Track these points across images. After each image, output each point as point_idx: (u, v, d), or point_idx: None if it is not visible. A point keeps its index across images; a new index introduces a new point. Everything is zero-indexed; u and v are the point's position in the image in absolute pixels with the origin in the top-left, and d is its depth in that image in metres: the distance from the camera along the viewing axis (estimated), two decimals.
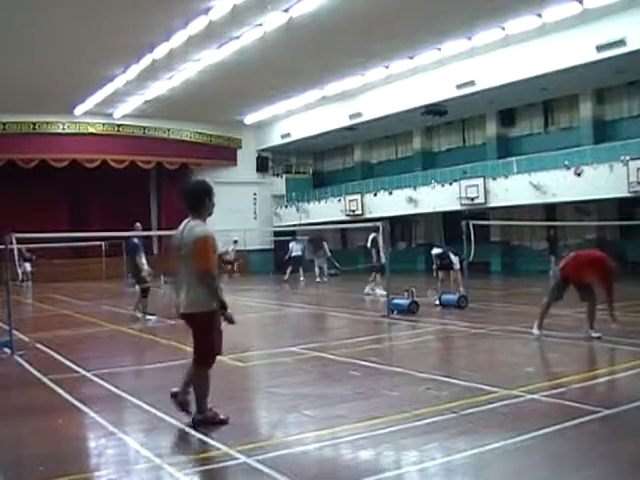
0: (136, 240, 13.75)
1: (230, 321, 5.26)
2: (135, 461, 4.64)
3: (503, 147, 26.25)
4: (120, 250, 25.43)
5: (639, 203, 20.92)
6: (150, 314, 13.15)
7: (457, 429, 5.13)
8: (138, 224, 14.02)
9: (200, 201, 5.38)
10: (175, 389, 5.45)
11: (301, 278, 24.14)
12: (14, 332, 9.43)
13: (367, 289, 17.22)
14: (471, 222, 14.47)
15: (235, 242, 28.67)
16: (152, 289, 13.89)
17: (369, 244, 17.37)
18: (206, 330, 5.22)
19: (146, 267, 13.37)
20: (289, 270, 24.18)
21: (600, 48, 18.67)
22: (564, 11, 17.96)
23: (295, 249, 24.47)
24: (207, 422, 5.27)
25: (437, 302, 13.70)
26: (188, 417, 5.37)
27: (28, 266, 27.66)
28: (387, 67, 23.48)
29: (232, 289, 21.20)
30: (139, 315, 13.31)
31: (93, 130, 29.82)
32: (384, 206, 26.66)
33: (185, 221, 5.41)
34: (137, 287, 13.96)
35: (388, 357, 8.63)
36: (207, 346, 5.27)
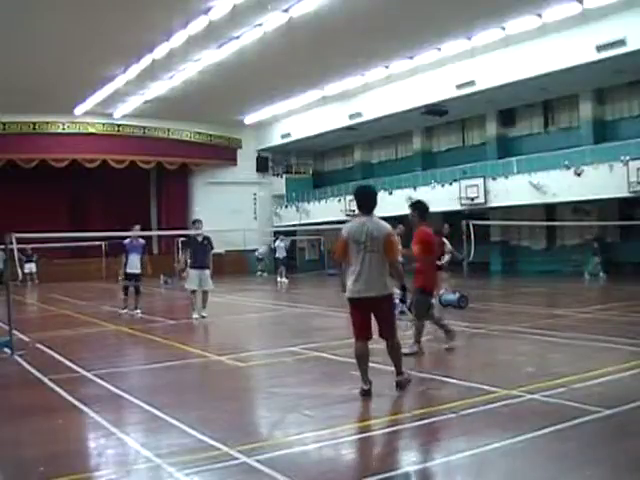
0: (126, 241, 14.10)
1: (404, 300, 7.36)
2: (135, 461, 4.64)
3: (503, 147, 26.25)
4: (120, 250, 25.48)
5: (639, 203, 20.92)
6: (123, 308, 14.17)
7: (457, 429, 5.14)
8: (137, 226, 14.48)
9: (374, 201, 6.23)
10: (398, 378, 6.17)
11: (279, 279, 23.85)
12: (14, 332, 9.42)
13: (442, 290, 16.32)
14: (471, 222, 14.47)
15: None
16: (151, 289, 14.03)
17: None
18: (391, 308, 6.31)
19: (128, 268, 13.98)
20: (282, 270, 24.18)
21: (600, 48, 18.67)
22: (564, 11, 17.96)
23: (279, 249, 24.34)
24: (408, 382, 6.20)
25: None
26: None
27: (33, 267, 27.68)
28: (387, 67, 23.49)
29: (232, 289, 21.23)
30: (138, 313, 13.79)
31: (93, 130, 29.83)
32: (384, 206, 26.48)
33: (359, 218, 6.15)
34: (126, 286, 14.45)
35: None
36: (394, 320, 6.38)
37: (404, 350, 6.74)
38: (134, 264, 13.91)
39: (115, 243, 26.13)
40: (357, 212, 6.30)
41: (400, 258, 6.41)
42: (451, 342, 8.50)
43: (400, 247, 6.41)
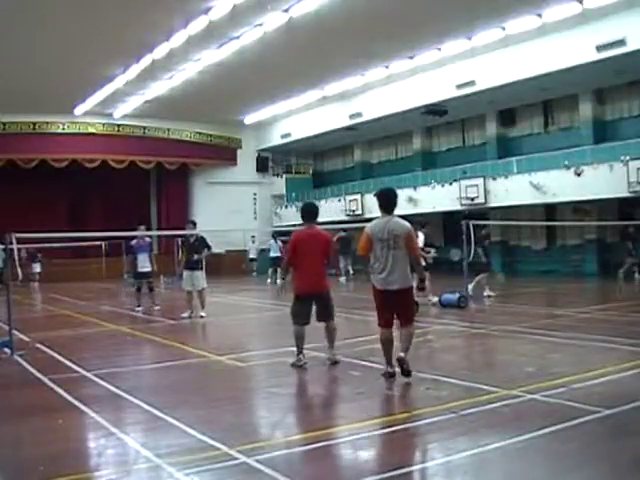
0: (133, 242, 14.59)
1: (423, 289, 7.72)
2: (135, 461, 4.64)
3: (503, 147, 26.23)
4: (120, 250, 25.49)
5: (639, 203, 20.91)
6: (138, 306, 14.61)
7: (457, 429, 5.14)
8: (142, 226, 14.85)
9: (395, 202, 6.95)
10: (401, 354, 6.62)
11: (268, 280, 23.57)
12: (14, 332, 9.42)
13: (486, 292, 15.39)
14: (471, 222, 14.46)
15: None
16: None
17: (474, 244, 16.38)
18: (412, 298, 7.11)
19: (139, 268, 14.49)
20: (270, 272, 24.01)
21: (600, 48, 18.65)
22: (564, 11, 17.94)
23: (273, 248, 24.22)
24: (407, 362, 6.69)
25: (433, 301, 13.75)
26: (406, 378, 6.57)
27: (38, 267, 27.70)
28: (387, 67, 23.47)
29: (232, 289, 21.22)
30: (157, 308, 14.65)
31: (93, 130, 29.81)
32: None
33: (382, 218, 6.81)
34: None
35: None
36: (413, 308, 7.32)
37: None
38: (144, 263, 14.40)
39: (115, 243, 26.34)
40: (380, 212, 6.96)
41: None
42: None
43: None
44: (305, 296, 7.58)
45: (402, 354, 6.65)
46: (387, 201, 6.90)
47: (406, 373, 6.62)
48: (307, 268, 7.56)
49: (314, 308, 7.74)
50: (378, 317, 6.92)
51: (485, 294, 15.23)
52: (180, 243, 14.28)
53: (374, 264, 6.74)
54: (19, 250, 11.74)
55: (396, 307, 6.77)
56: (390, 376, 6.70)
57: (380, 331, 6.88)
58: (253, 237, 29.66)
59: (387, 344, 6.84)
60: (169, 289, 22.65)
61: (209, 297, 13.78)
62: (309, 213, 7.87)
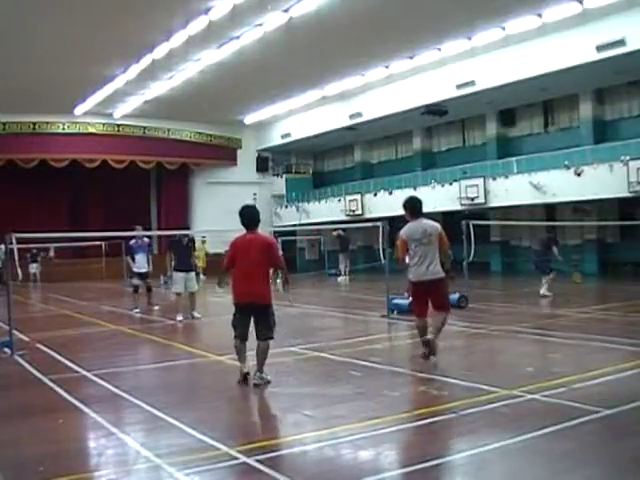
0: (132, 242, 14.61)
1: (453, 278, 8.31)
2: (135, 461, 4.64)
3: (503, 147, 26.24)
4: (120, 250, 25.48)
5: (639, 203, 20.92)
6: (135, 307, 14.54)
7: (457, 429, 5.14)
8: (139, 227, 14.82)
9: (422, 207, 7.88)
10: (429, 336, 7.46)
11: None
12: (14, 332, 9.42)
13: (543, 290, 15.11)
14: (471, 222, 14.46)
15: None
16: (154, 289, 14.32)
17: (539, 246, 15.88)
18: (446, 287, 7.88)
19: (135, 268, 14.56)
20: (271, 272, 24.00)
21: (600, 48, 18.66)
22: (564, 11, 17.96)
23: None
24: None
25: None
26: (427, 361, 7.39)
27: (36, 267, 27.70)
28: (387, 67, 23.48)
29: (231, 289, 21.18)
30: (156, 308, 14.74)
31: (93, 130, 29.82)
32: (384, 206, 26.60)
33: (416, 221, 7.69)
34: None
35: (388, 357, 8.63)
36: (448, 297, 8.08)
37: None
38: (141, 263, 14.41)
39: (115, 244, 26.31)
40: (407, 215, 7.83)
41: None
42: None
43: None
44: (242, 304, 6.85)
45: (431, 336, 7.53)
46: (418, 206, 7.87)
47: (430, 354, 7.53)
48: (244, 274, 6.86)
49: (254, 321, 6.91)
50: (414, 307, 7.91)
51: (541, 292, 15.00)
52: (168, 245, 14.15)
53: (411, 261, 7.64)
54: (19, 250, 11.76)
55: (431, 295, 7.63)
56: (426, 356, 7.61)
57: (416, 319, 7.80)
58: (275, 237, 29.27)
59: (422, 330, 7.68)
60: (168, 289, 22.64)
61: (209, 297, 13.78)
62: (248, 220, 7.08)
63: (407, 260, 7.71)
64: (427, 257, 7.55)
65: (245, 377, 6.83)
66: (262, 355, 6.79)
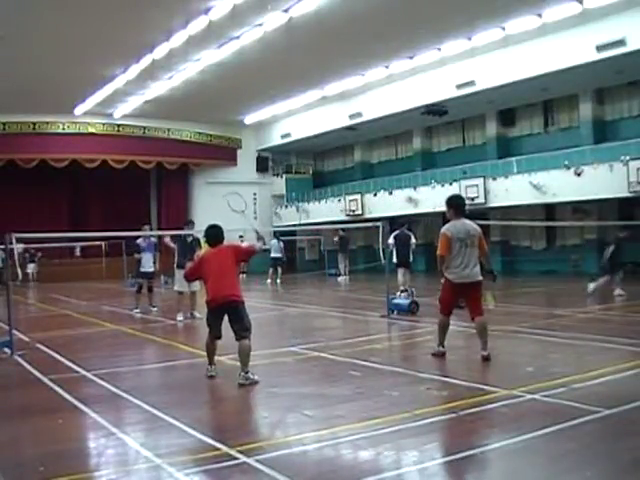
0: (139, 240, 14.60)
1: (495, 278, 7.95)
2: (135, 461, 4.64)
3: (503, 147, 26.25)
4: (120, 250, 25.49)
5: (639, 203, 20.92)
6: (136, 308, 14.54)
7: (457, 429, 5.14)
8: (147, 226, 15.23)
9: (465, 207, 7.85)
10: (485, 353, 7.46)
11: (268, 280, 23.42)
12: (14, 332, 9.42)
13: (618, 290, 14.80)
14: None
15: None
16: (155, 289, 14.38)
17: (609, 254, 15.28)
18: (482, 290, 7.76)
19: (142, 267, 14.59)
20: (271, 272, 24.00)
21: (600, 48, 18.67)
22: (564, 11, 17.96)
23: (275, 249, 23.96)
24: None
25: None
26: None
27: (31, 267, 27.69)
28: (387, 67, 23.49)
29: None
30: (155, 310, 14.65)
31: (93, 130, 29.83)
32: (384, 206, 26.66)
33: (458, 220, 7.60)
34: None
35: (388, 357, 8.63)
36: (482, 300, 7.93)
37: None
38: (148, 263, 14.46)
39: (115, 243, 26.31)
40: (450, 214, 7.73)
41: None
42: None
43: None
44: (215, 306, 7.10)
45: (485, 353, 7.50)
46: (462, 206, 7.82)
47: (487, 359, 7.52)
48: (215, 279, 7.13)
49: (228, 320, 7.14)
50: (442, 307, 7.83)
51: (616, 293, 14.74)
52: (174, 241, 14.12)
53: (454, 261, 7.49)
54: (19, 250, 11.77)
55: (469, 298, 7.61)
56: (442, 355, 7.77)
57: (442, 318, 7.85)
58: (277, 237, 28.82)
59: (445, 328, 7.84)
60: (169, 289, 22.64)
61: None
62: (214, 240, 7.44)
63: (450, 258, 7.47)
64: (470, 259, 7.47)
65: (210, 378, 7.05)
66: (243, 354, 6.85)
